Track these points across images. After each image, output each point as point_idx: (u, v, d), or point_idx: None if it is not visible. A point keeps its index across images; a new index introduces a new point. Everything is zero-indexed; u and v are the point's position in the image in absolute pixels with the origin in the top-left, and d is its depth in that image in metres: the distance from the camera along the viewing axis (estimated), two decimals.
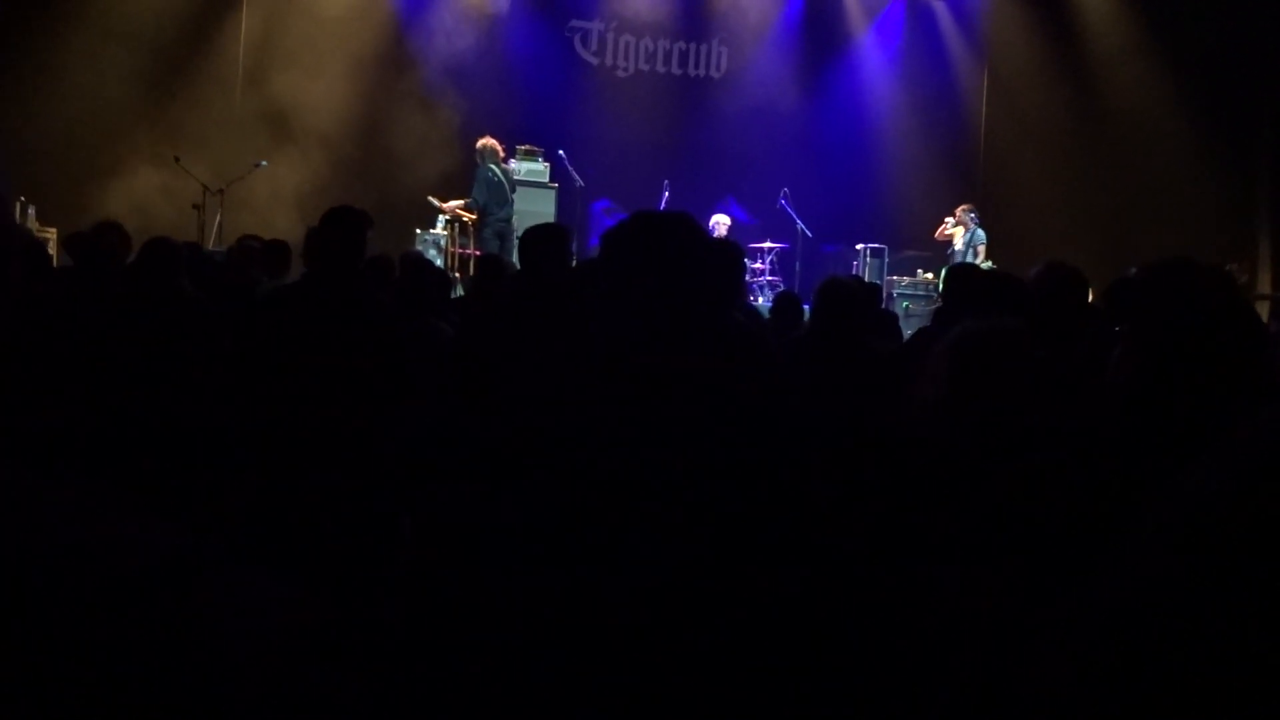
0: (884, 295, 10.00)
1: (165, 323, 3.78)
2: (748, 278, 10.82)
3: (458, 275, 9.47)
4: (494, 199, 9.73)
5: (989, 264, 10.40)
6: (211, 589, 0.42)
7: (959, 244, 10.77)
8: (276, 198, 10.65)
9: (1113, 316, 4.40)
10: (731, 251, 3.54)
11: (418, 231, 10.72)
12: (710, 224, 10.73)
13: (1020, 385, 1.93)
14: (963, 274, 4.16)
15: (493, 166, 9.81)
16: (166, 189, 10.21)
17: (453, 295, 6.63)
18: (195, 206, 9.30)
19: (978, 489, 1.80)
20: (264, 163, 10.27)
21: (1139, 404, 1.91)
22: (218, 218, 9.41)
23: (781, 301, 5.95)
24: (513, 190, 10.08)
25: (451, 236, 10.29)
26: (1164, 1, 11.63)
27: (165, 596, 0.41)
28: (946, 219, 11.02)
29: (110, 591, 0.41)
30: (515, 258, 9.01)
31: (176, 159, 9.61)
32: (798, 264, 11.51)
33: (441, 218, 10.42)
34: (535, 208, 10.56)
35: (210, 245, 9.07)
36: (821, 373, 2.84)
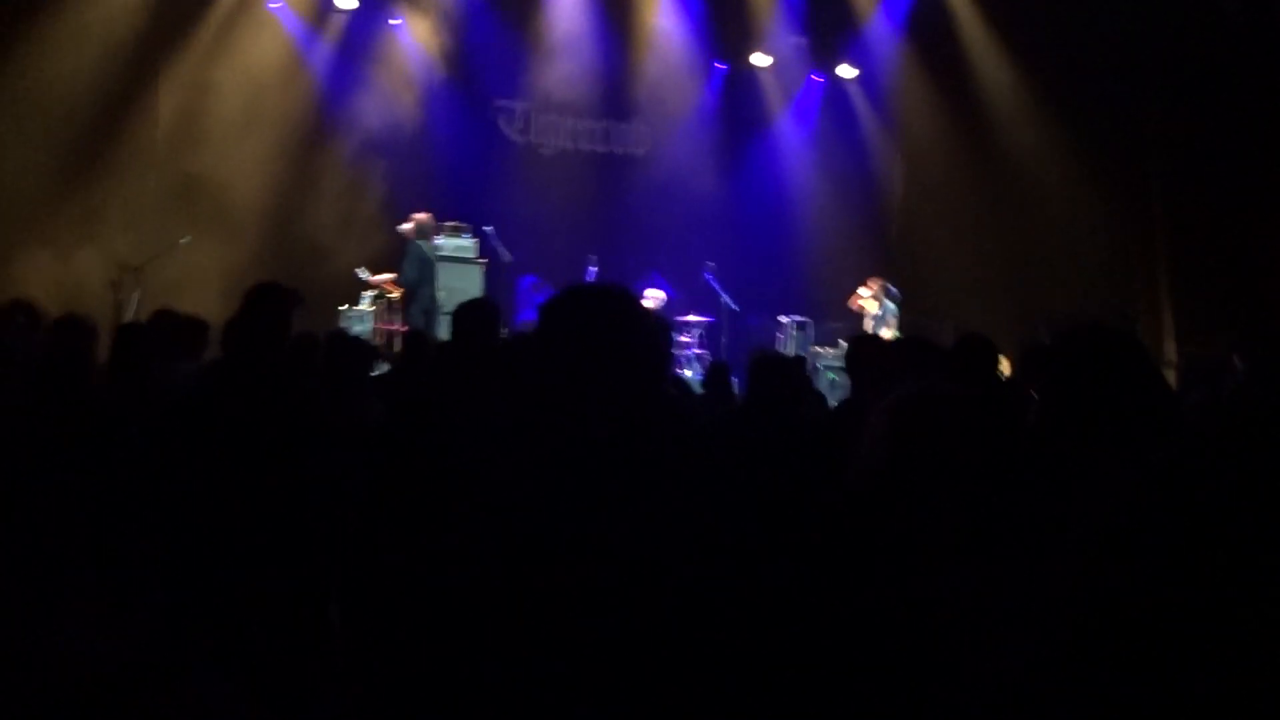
0: (809, 366, 10.19)
1: (77, 410, 3.65)
2: (675, 350, 10.92)
3: (380, 351, 9.37)
4: (424, 275, 9.71)
5: (895, 334, 10.70)
6: (163, 694, 0.41)
7: (873, 313, 11.06)
8: (196, 275, 10.45)
9: (1027, 382, 4.56)
10: (661, 325, 3.58)
11: (341, 308, 10.61)
12: (642, 299, 10.86)
13: (960, 447, 1.98)
14: (866, 343, 4.27)
15: (423, 244, 9.82)
16: (82, 268, 9.96)
17: (377, 372, 6.55)
18: (111, 283, 9.08)
19: (916, 550, 1.83)
20: (188, 238, 10.11)
21: (1055, 462, 1.98)
22: (135, 295, 9.20)
23: (713, 373, 6.04)
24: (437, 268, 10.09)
25: (378, 312, 10.22)
26: (1062, 80, 12.20)
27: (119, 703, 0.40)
28: (860, 290, 11.32)
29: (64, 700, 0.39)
30: (440, 334, 8.99)
31: (89, 238, 9.39)
32: (724, 337, 11.66)
33: (368, 294, 10.35)
34: (462, 284, 10.56)
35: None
36: (760, 440, 2.87)
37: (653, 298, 10.97)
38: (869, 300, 11.18)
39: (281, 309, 3.55)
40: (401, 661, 1.93)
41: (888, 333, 10.84)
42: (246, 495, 2.94)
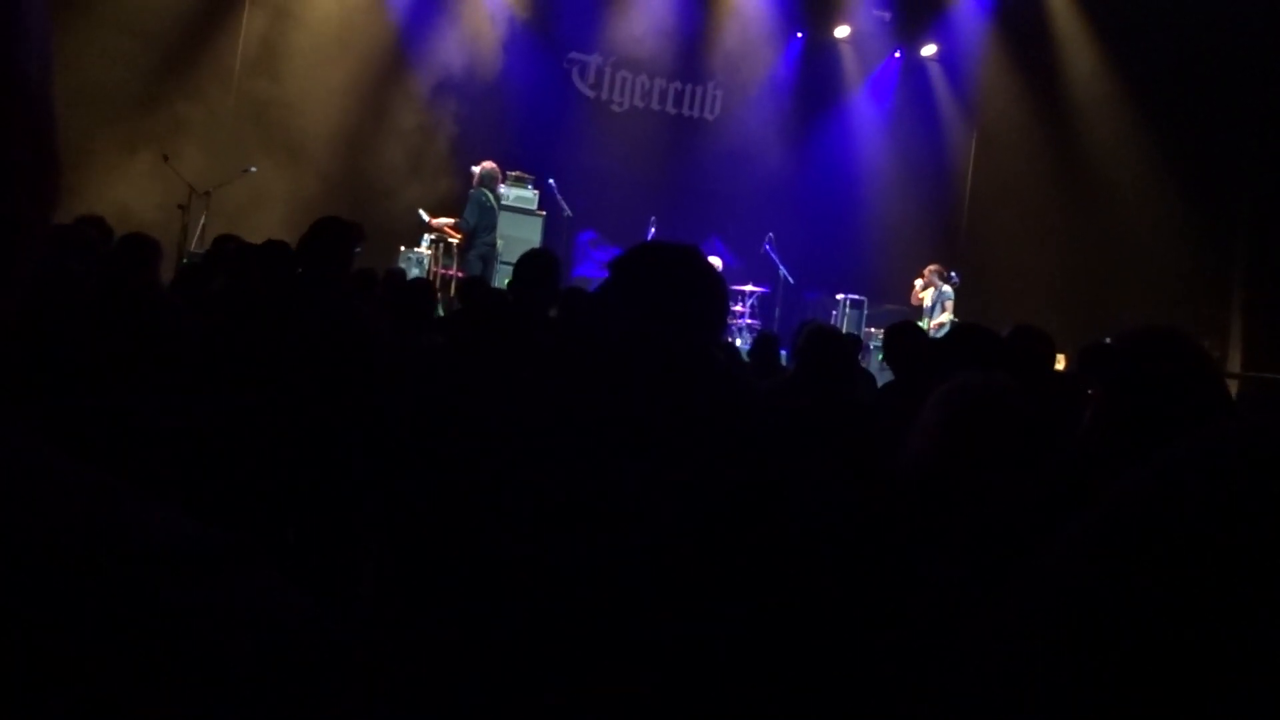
0: (863, 346, 10.08)
1: (139, 317, 3.73)
2: (727, 319, 10.88)
3: (439, 295, 9.45)
4: (483, 223, 9.74)
5: (953, 319, 10.55)
6: (228, 581, 0.41)
7: (928, 302, 10.92)
8: (262, 202, 10.61)
9: (1085, 379, 4.47)
10: (724, 288, 3.56)
11: (401, 249, 10.71)
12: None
13: (1011, 439, 1.96)
14: (900, 333, 4.20)
15: (487, 191, 9.83)
16: (153, 186, 10.15)
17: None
18: (180, 206, 9.24)
19: (963, 537, 1.81)
20: (253, 168, 10.25)
21: (1108, 464, 1.94)
22: (201, 220, 9.36)
23: (760, 343, 5.98)
24: (498, 216, 10.11)
25: (435, 256, 10.29)
26: (1155, 82, 11.86)
27: (184, 584, 0.40)
28: (915, 281, 11.15)
29: (125, 576, 0.40)
30: (497, 283, 9.04)
31: (165, 158, 9.57)
32: (778, 309, 11.59)
33: (427, 236, 10.41)
34: (522, 234, 10.59)
35: (192, 247, 9.02)
36: (807, 412, 2.86)
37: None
38: (925, 290, 11.05)
39: (345, 242, 3.59)
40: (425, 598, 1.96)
41: (944, 316, 10.69)
42: (304, 411, 2.99)
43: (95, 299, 3.82)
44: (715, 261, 11.15)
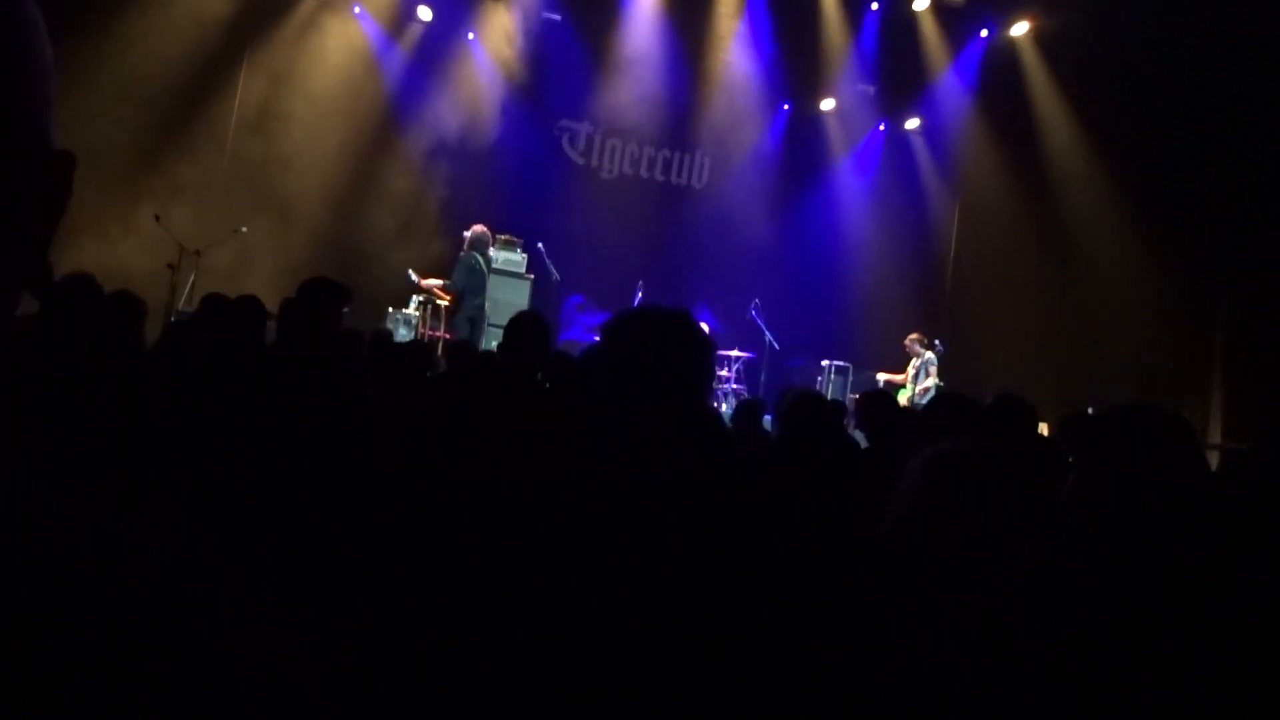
0: (848, 410, 10.11)
1: (127, 377, 3.75)
2: (714, 383, 10.93)
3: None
4: (472, 285, 9.81)
5: (938, 383, 10.62)
6: (225, 603, 0.44)
7: (911, 371, 11.01)
8: (252, 264, 10.68)
9: (1066, 447, 4.52)
10: (712, 352, 3.61)
11: (390, 309, 10.77)
12: None
13: (992, 503, 1.99)
14: (872, 401, 4.25)
15: (477, 255, 9.92)
16: (145, 244, 10.21)
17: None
18: (170, 266, 9.29)
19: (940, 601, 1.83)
20: (244, 229, 10.33)
21: (1094, 532, 1.97)
22: (191, 279, 9.40)
23: (744, 408, 6.01)
24: (488, 279, 10.19)
25: (424, 317, 10.34)
26: (1132, 153, 12.12)
27: (181, 608, 0.43)
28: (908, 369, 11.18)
29: (121, 598, 0.42)
30: (484, 345, 9.08)
31: (156, 217, 9.64)
32: (763, 374, 11.65)
33: (415, 297, 10.48)
34: (510, 297, 10.68)
35: (180, 305, 9.05)
36: (790, 476, 2.89)
37: None
38: (911, 362, 11.15)
39: (333, 303, 3.63)
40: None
41: (929, 381, 10.76)
42: (287, 471, 3.00)
43: (79, 356, 3.83)
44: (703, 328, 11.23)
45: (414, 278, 10.12)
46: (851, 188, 13.74)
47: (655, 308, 1.94)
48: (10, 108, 0.43)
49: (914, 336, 11.16)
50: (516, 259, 11.41)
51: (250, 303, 4.31)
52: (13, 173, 0.44)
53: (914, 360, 11.10)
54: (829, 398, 11.12)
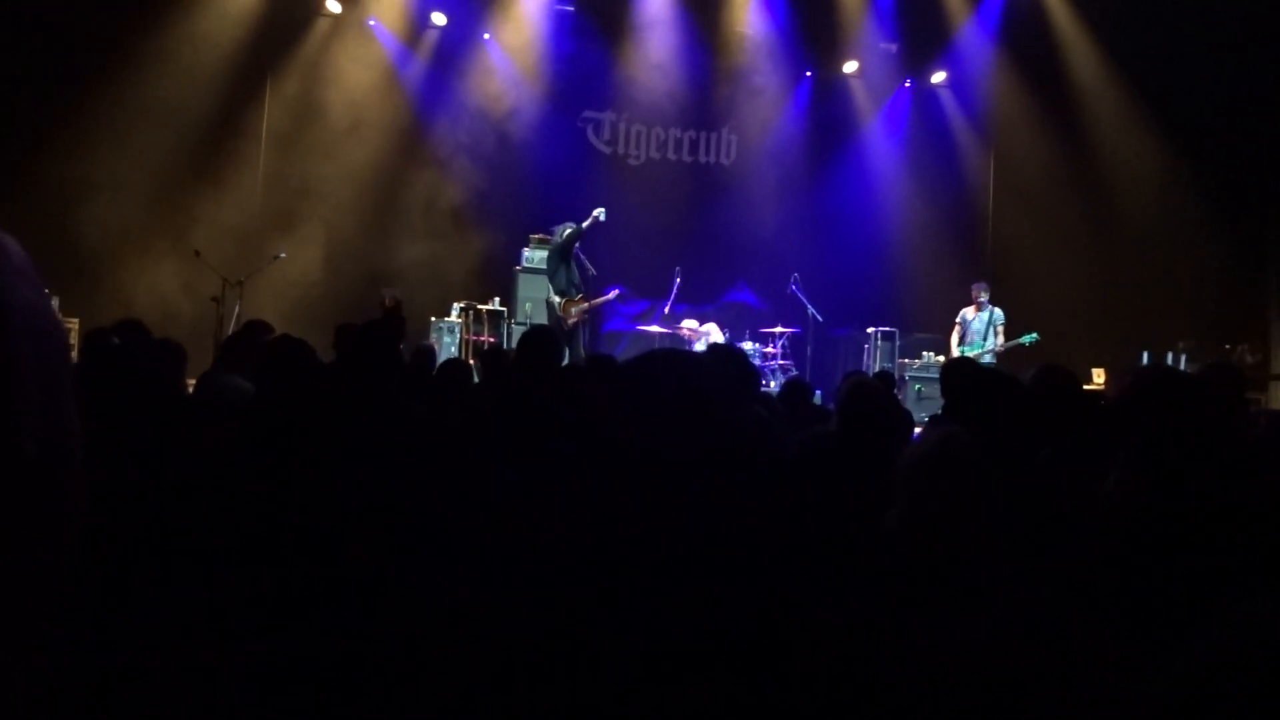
0: (896, 378, 10.00)
1: (167, 423, 3.83)
2: (760, 362, 10.88)
3: (474, 362, 9.58)
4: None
5: (1002, 342, 10.25)
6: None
7: (977, 325, 10.50)
8: (292, 287, 10.84)
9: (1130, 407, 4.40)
10: (737, 354, 3.63)
11: (432, 319, 10.88)
12: (702, 331, 10.93)
13: (963, 494, 2.00)
14: (959, 369, 4.14)
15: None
16: (187, 280, 10.41)
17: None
18: (214, 299, 9.47)
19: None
20: (282, 254, 10.49)
21: (1135, 519, 1.94)
22: (236, 309, 9.57)
23: (790, 387, 5.96)
24: None
25: (466, 324, 10.45)
26: (1170, 84, 11.80)
27: None
28: (965, 311, 10.68)
29: None
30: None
31: (197, 253, 9.83)
32: (809, 348, 11.58)
33: (456, 304, 10.62)
34: (545, 295, 10.72)
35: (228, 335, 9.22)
36: (840, 475, 2.87)
37: (708, 332, 10.99)
38: (974, 313, 10.59)
39: (393, 344, 3.72)
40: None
41: (996, 340, 10.34)
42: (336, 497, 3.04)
43: (123, 403, 3.91)
44: (691, 323, 11.17)
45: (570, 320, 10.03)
46: (882, 149, 13.54)
47: (660, 352, 1.95)
48: None
49: (975, 288, 10.57)
50: None
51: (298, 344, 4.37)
52: None
53: (981, 314, 10.48)
54: (877, 365, 11.02)
